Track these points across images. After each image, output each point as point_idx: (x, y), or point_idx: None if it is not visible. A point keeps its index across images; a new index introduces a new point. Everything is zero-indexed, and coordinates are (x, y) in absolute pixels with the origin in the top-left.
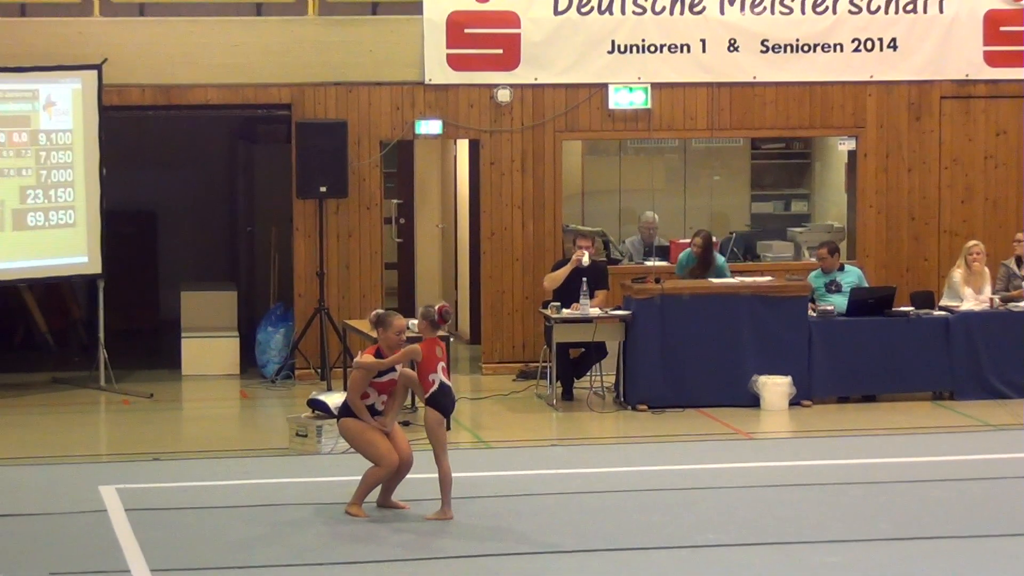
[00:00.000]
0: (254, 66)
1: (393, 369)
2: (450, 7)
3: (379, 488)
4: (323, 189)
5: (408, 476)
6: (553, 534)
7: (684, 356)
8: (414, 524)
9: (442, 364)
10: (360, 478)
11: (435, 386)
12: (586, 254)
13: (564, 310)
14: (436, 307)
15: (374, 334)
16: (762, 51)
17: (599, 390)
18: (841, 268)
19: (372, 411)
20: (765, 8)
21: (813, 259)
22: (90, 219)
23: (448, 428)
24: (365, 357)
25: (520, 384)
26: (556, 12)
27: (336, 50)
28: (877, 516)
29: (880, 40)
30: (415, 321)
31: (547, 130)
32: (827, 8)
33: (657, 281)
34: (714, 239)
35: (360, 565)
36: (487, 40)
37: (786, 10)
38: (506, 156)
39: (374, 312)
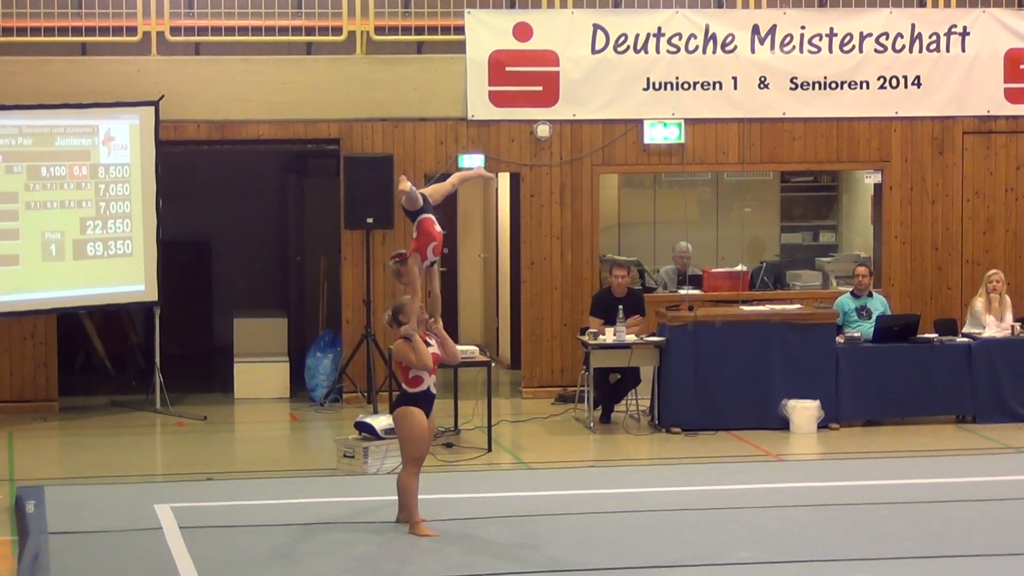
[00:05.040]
0: (304, 103)
1: (430, 344)
2: (492, 46)
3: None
4: (370, 220)
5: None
6: (591, 552)
7: (716, 381)
8: (455, 540)
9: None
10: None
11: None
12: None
13: (607, 328)
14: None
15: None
16: (791, 88)
17: (635, 413)
18: (870, 294)
19: (427, 393)
20: (794, 47)
21: (842, 285)
22: (147, 249)
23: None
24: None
25: (559, 407)
26: (594, 51)
27: (383, 87)
28: (902, 535)
29: (904, 78)
30: (459, 347)
31: (585, 164)
32: (853, 47)
33: (690, 309)
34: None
35: None
36: (527, 78)
37: (814, 49)
38: (545, 189)
39: (387, 313)
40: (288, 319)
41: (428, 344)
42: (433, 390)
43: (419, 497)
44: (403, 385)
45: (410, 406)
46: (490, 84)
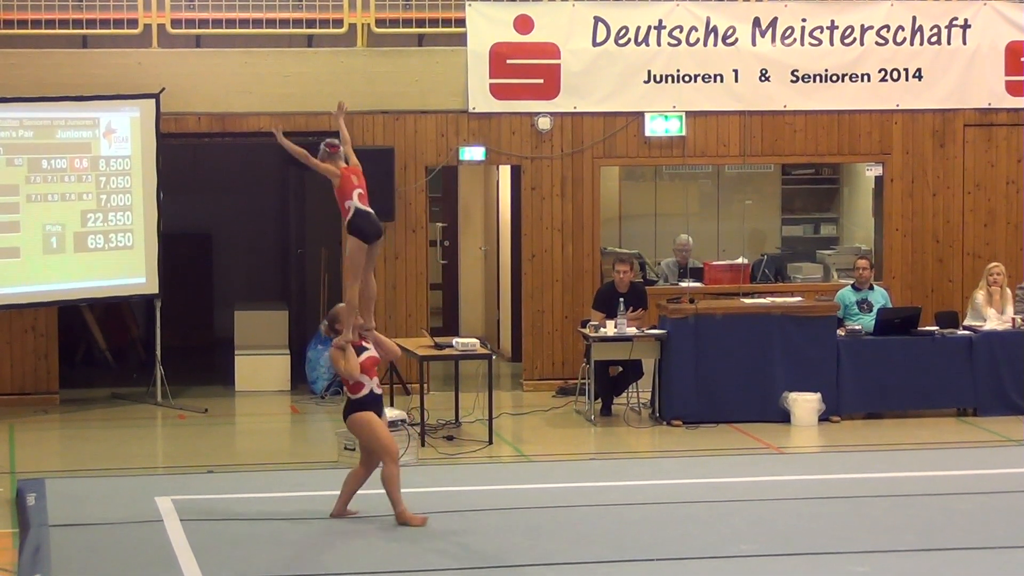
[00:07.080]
0: (305, 95)
1: (366, 348)
2: (493, 39)
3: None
4: None
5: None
6: (592, 545)
7: (717, 373)
8: (456, 533)
9: (359, 191)
10: (384, 489)
11: (351, 213)
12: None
13: (608, 321)
14: (322, 144)
15: (420, 350)
16: (792, 81)
17: (635, 406)
18: (871, 287)
19: (372, 395)
20: (795, 40)
21: (843, 278)
22: (148, 241)
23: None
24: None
25: (560, 400)
26: (595, 44)
27: (384, 80)
28: (903, 528)
29: (906, 70)
30: (460, 340)
31: (586, 156)
32: (855, 40)
33: (691, 302)
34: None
35: (405, 574)
36: (528, 70)
37: (815, 42)
38: (546, 181)
39: (323, 323)
40: (289, 311)
41: (364, 348)
42: (377, 391)
43: (421, 490)
44: (348, 393)
45: (358, 412)
46: (491, 76)
